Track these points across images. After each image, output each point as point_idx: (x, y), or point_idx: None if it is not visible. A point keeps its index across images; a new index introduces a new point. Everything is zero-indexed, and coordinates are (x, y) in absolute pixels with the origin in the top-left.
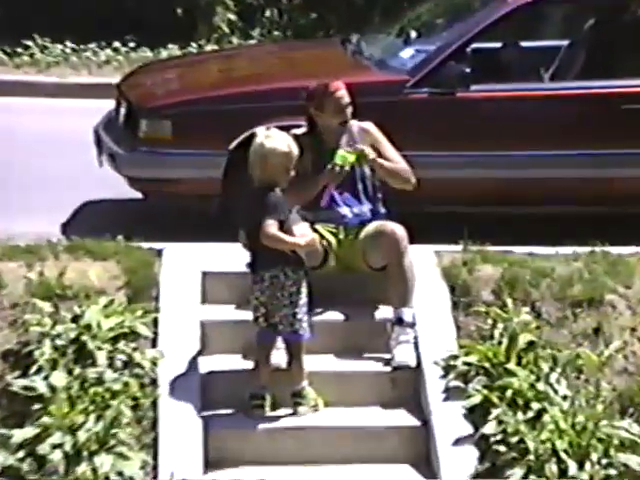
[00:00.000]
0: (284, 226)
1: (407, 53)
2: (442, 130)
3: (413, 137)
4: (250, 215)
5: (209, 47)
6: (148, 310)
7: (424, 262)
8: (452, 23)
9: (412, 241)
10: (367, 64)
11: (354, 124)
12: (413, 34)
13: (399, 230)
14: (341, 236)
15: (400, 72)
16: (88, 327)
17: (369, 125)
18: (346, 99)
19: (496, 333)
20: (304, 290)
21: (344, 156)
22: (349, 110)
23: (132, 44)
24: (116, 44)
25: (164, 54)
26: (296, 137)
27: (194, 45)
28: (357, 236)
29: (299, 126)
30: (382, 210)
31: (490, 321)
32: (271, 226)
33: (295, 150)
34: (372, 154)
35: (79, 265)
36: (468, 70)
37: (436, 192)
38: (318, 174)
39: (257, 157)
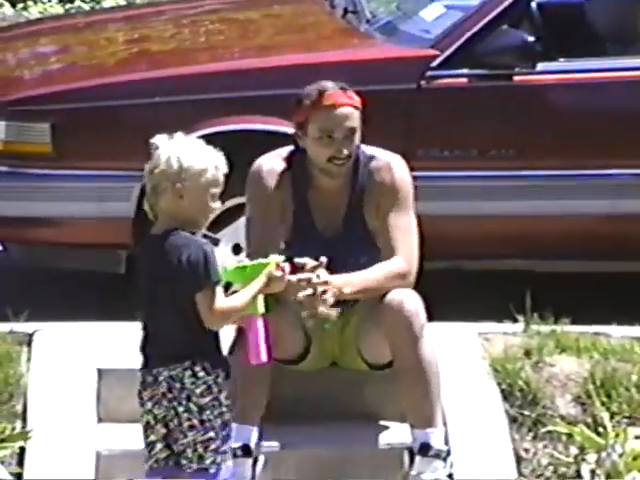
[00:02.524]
0: None
1: (433, 12)
2: (491, 136)
3: (442, 148)
4: (157, 278)
5: (109, 2)
6: (9, 437)
7: (462, 350)
8: None
9: (440, 317)
10: (367, 30)
11: (374, 158)
12: None
13: (411, 301)
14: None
15: (421, 43)
16: None
17: (395, 168)
18: (345, 116)
19: (585, 470)
20: (225, 402)
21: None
22: (347, 138)
23: None
24: None
25: (34, 12)
26: (280, 174)
27: None
28: (348, 317)
29: (253, 134)
30: None
31: (575, 450)
32: (221, 298)
33: (223, 165)
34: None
35: None
36: (533, 38)
37: (479, 238)
38: (301, 238)
39: (167, 180)
